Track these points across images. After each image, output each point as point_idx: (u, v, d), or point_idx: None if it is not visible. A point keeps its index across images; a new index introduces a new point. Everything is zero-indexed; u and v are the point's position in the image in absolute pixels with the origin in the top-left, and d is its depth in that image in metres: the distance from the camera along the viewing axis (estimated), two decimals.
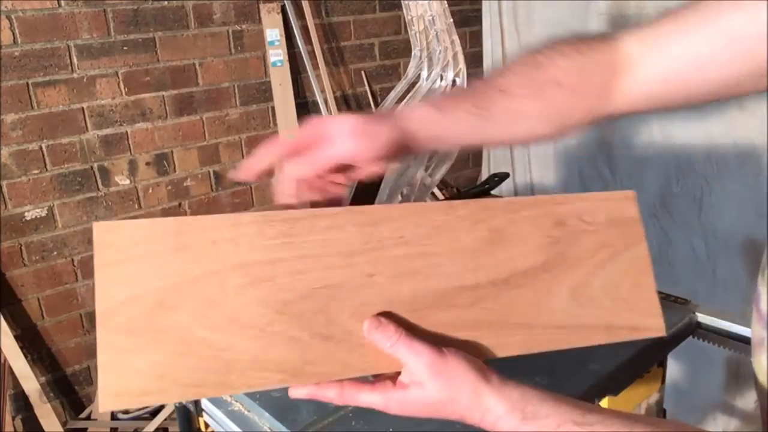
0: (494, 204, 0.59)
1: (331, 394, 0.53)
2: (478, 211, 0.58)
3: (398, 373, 0.53)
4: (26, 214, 1.82)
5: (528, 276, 0.58)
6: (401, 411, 0.53)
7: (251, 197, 2.27)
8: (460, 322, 0.56)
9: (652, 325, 0.62)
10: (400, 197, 0.78)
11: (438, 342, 0.54)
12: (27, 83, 1.76)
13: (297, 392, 0.53)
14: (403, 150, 0.58)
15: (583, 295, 0.59)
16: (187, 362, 0.48)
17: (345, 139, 0.56)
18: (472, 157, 2.95)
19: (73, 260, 1.92)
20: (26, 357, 1.81)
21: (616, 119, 0.62)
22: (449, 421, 0.82)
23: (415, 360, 0.51)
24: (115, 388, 0.47)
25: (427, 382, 0.51)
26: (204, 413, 0.93)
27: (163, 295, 0.48)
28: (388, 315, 0.53)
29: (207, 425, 0.97)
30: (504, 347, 0.57)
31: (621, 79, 0.58)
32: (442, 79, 0.81)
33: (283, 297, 0.51)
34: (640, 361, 0.91)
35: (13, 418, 1.83)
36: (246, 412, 0.88)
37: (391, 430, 0.79)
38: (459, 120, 0.58)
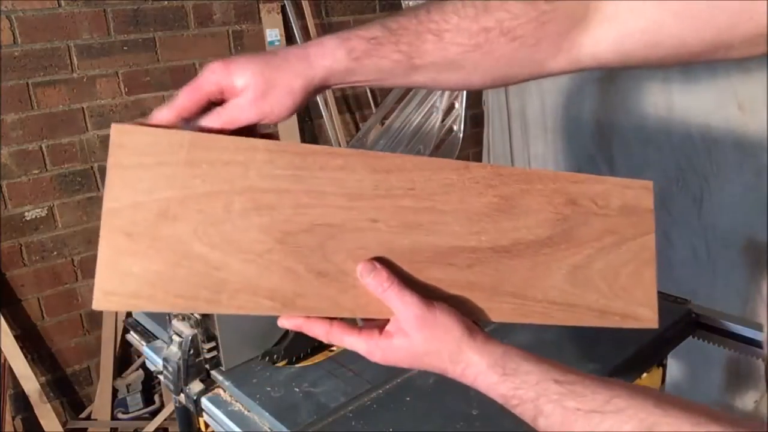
0: (509, 172, 0.58)
1: (319, 331, 0.53)
2: (492, 177, 0.57)
3: (387, 322, 0.54)
4: (26, 214, 1.82)
5: (530, 248, 0.58)
6: (384, 359, 0.53)
7: None
8: (455, 282, 0.56)
9: (646, 316, 0.62)
10: None
11: (430, 295, 0.54)
12: (27, 83, 1.76)
13: (286, 322, 0.54)
14: (313, 95, 0.54)
15: (581, 277, 0.60)
16: (181, 274, 0.49)
17: (248, 106, 0.52)
18: (471, 156, 2.95)
19: (73, 260, 1.92)
20: (26, 357, 1.81)
21: (567, 73, 0.57)
22: (450, 420, 0.82)
23: (403, 309, 0.51)
24: (109, 288, 0.48)
25: (413, 333, 0.51)
26: (204, 413, 0.93)
27: (168, 206, 0.49)
28: (384, 261, 0.54)
29: (207, 425, 0.97)
30: (495, 312, 0.57)
31: (588, 31, 0.51)
32: None
33: (285, 227, 0.51)
34: (640, 361, 0.91)
35: (13, 418, 1.83)
36: (246, 412, 0.88)
37: (391, 430, 0.79)
38: (378, 67, 0.53)
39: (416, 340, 0.51)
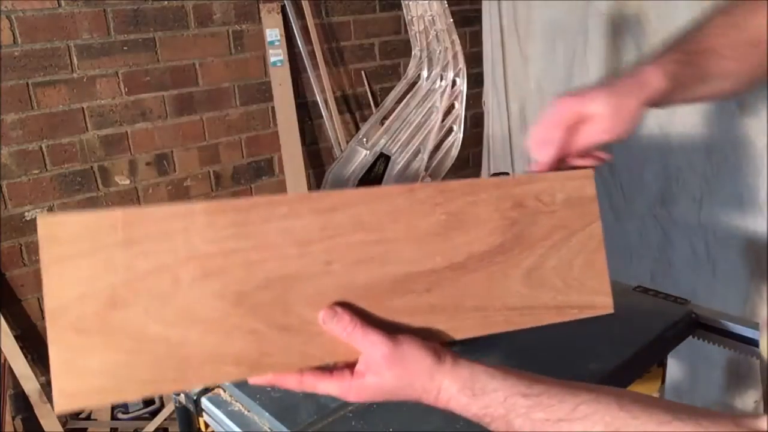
0: (453, 186, 0.58)
1: (291, 383, 0.54)
2: (436, 195, 0.57)
3: (356, 361, 0.54)
4: (26, 214, 1.82)
5: (484, 259, 0.58)
6: (359, 398, 0.54)
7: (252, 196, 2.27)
8: (417, 308, 0.56)
9: (601, 303, 0.63)
10: None
11: (394, 328, 0.54)
12: (27, 83, 1.76)
13: (257, 380, 0.53)
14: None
15: (537, 277, 0.60)
16: (142, 359, 0.47)
17: (602, 130, 0.62)
18: (472, 156, 2.95)
19: None
20: (26, 357, 1.81)
21: None
22: (450, 421, 0.82)
23: (370, 349, 0.52)
24: (69, 389, 0.45)
25: (383, 371, 0.52)
26: (204, 413, 0.93)
27: (114, 292, 0.46)
28: (344, 304, 0.53)
29: (207, 425, 0.97)
30: (459, 330, 0.57)
31: None
32: (442, 79, 0.81)
33: (239, 288, 0.49)
34: (640, 361, 0.91)
35: (13, 418, 1.83)
36: (246, 412, 0.88)
37: (391, 430, 0.80)
38: (684, 84, 0.63)
39: (387, 377, 0.52)
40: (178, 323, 0.48)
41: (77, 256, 0.46)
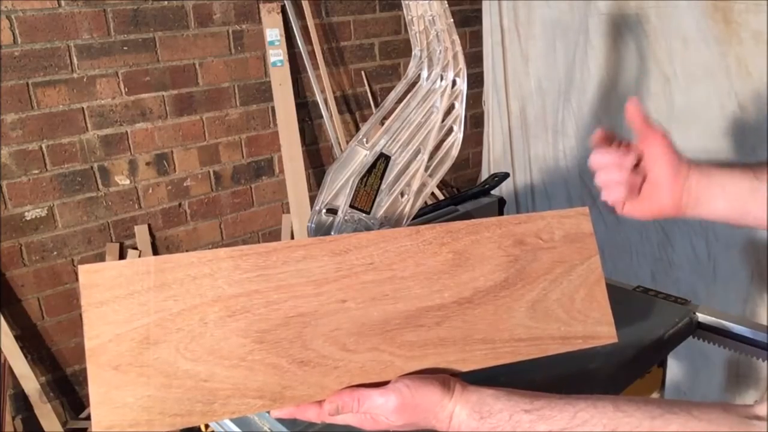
0: (457, 227, 0.63)
1: (311, 414, 0.57)
2: (443, 235, 0.61)
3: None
4: (26, 214, 1.82)
5: (490, 294, 0.62)
6: (374, 427, 0.57)
7: (251, 197, 2.27)
8: (428, 341, 0.59)
9: (605, 333, 0.66)
10: (400, 197, 0.78)
11: (407, 359, 0.57)
12: (27, 83, 1.76)
13: (278, 413, 0.56)
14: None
15: (541, 309, 0.63)
16: (173, 394, 0.50)
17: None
18: (472, 156, 2.95)
19: (73, 260, 1.92)
20: (26, 357, 1.81)
21: None
22: None
23: (383, 405, 0.55)
24: (106, 422, 0.49)
25: (398, 419, 0.55)
26: None
27: (148, 331, 0.50)
28: (335, 384, 0.56)
29: (207, 425, 0.97)
30: (468, 361, 0.60)
31: None
32: (442, 79, 0.81)
33: (261, 326, 0.53)
34: (640, 361, 0.91)
35: (13, 418, 1.83)
36: None
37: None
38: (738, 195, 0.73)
39: (403, 421, 0.55)
40: (205, 359, 0.52)
41: (114, 299, 0.50)
